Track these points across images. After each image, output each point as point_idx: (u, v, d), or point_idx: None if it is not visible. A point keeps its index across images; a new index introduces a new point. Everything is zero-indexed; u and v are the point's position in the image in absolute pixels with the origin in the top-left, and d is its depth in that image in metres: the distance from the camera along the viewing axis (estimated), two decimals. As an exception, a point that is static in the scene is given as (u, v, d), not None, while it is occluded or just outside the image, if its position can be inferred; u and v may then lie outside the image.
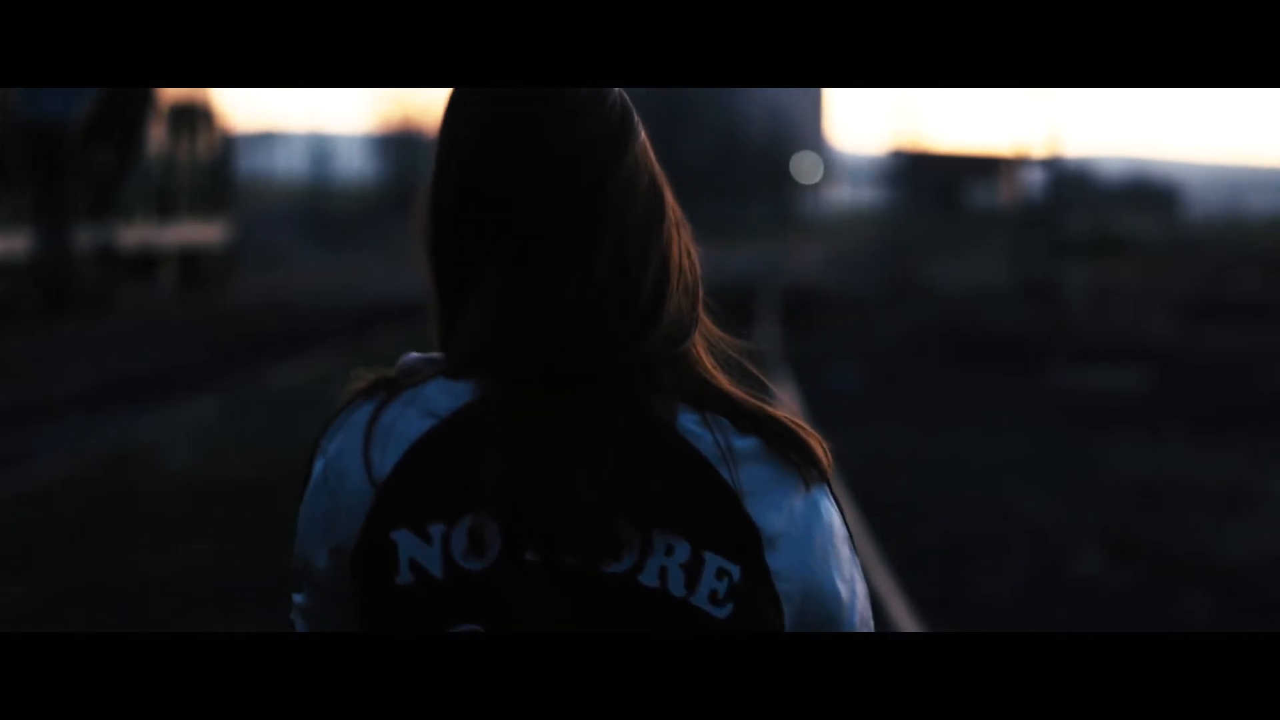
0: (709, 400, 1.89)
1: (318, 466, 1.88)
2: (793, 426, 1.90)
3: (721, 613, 1.80)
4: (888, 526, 10.78)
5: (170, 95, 30.68)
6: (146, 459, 13.03)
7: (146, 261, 30.11)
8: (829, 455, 1.92)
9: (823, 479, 1.90)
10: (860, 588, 1.92)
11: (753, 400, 1.91)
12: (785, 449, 1.88)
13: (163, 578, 9.03)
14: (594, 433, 1.82)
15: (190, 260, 32.19)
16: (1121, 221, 66.62)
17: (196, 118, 32.46)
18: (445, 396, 1.85)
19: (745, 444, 1.86)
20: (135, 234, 29.40)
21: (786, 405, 2.04)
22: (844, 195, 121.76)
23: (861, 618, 1.91)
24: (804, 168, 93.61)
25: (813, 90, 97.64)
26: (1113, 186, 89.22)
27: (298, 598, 1.95)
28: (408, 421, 1.84)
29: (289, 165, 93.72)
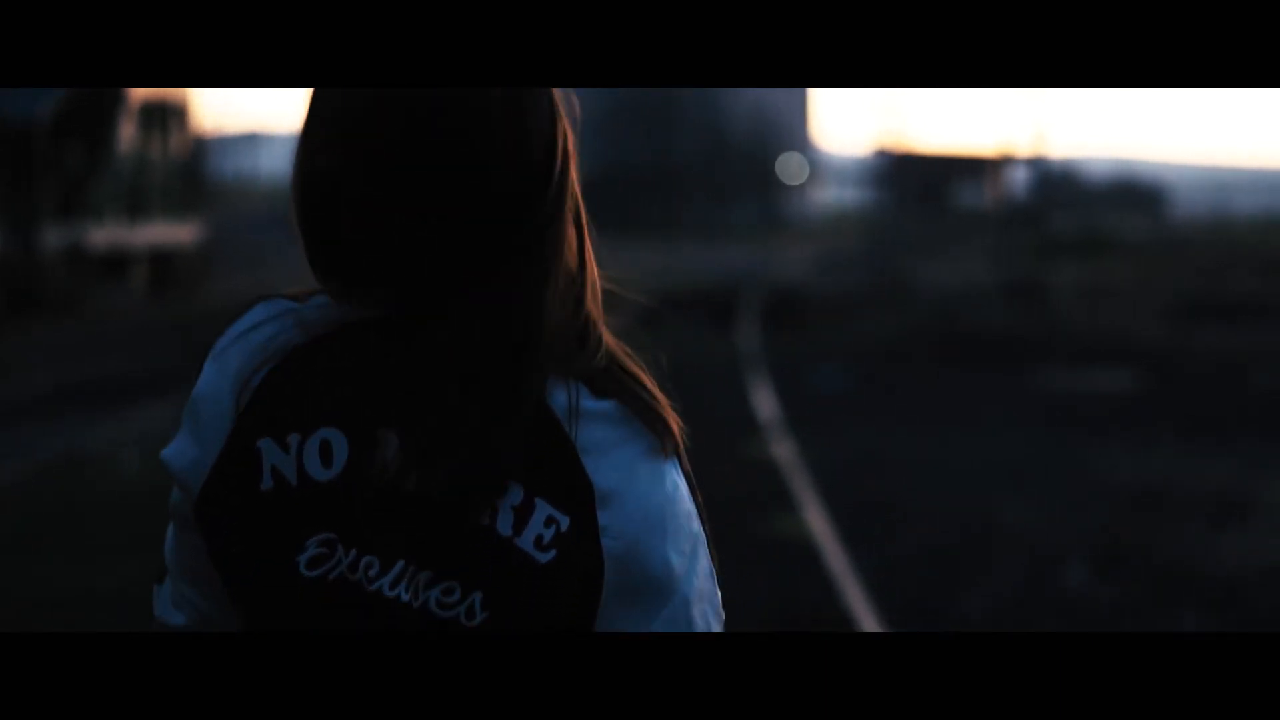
0: (581, 370, 1.95)
1: (205, 368, 1.98)
2: (651, 399, 1.96)
3: (544, 558, 1.88)
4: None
5: (141, 93, 30.32)
6: (103, 465, 12.75)
7: (117, 262, 29.75)
8: (682, 435, 1.97)
9: (674, 453, 1.96)
10: (703, 564, 1.96)
11: (624, 373, 1.97)
12: (638, 415, 1.94)
13: (108, 589, 8.71)
14: (455, 375, 1.89)
15: (162, 261, 31.84)
16: (1108, 222, 66.65)
17: (169, 116, 32.10)
18: (322, 314, 1.94)
19: (595, 404, 1.93)
20: (105, 234, 29.04)
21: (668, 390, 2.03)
22: (830, 196, 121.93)
23: (699, 592, 1.95)
24: (789, 168, 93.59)
25: (798, 91, 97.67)
26: (1098, 187, 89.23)
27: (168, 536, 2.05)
28: (282, 335, 1.94)
29: (273, 166, 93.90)
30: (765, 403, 16.86)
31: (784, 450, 13.73)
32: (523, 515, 1.89)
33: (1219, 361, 21.04)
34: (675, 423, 1.96)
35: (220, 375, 1.95)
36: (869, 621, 8.20)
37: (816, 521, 10.80)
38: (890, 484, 12.39)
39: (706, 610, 1.96)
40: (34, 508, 11.28)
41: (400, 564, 1.89)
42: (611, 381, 1.95)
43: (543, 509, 1.89)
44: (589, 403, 1.93)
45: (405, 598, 1.89)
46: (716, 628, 1.98)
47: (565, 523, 1.89)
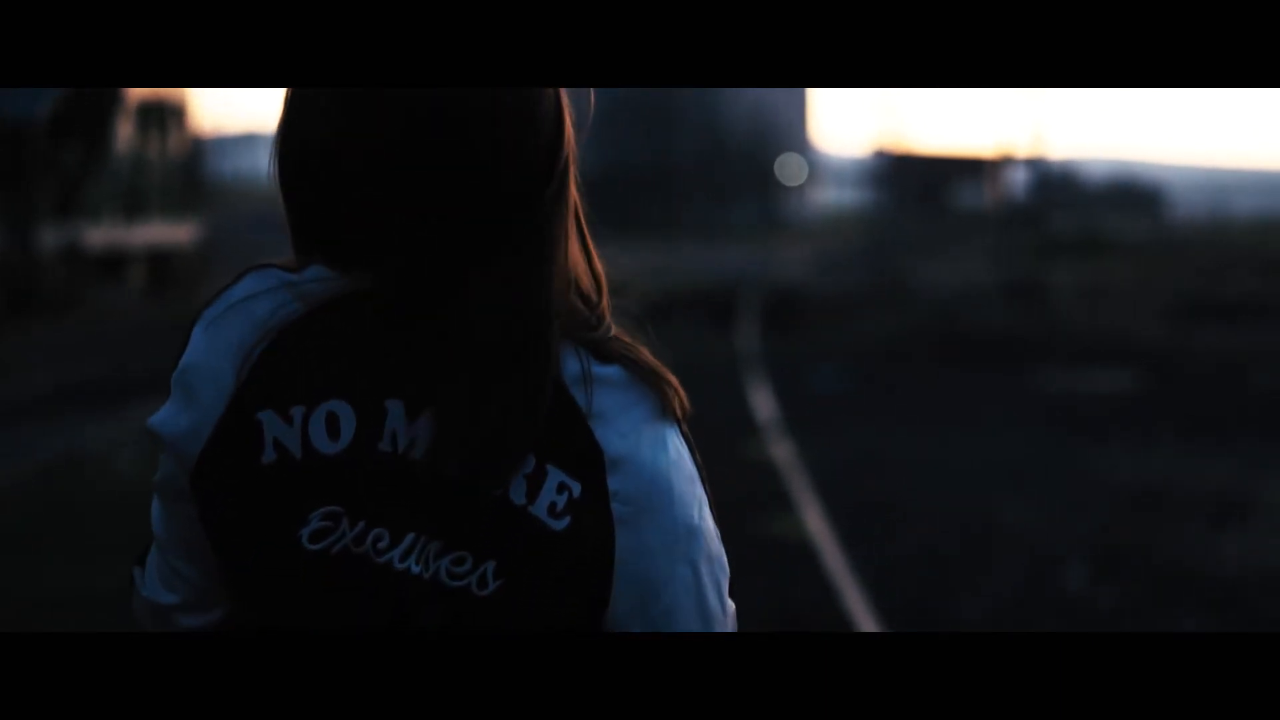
0: (586, 340, 1.97)
1: (195, 336, 1.95)
2: (652, 364, 1.98)
3: (558, 525, 1.90)
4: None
5: (139, 93, 30.24)
6: (103, 465, 12.72)
7: (115, 262, 29.68)
8: (684, 399, 2.00)
9: (675, 417, 1.98)
10: (709, 526, 1.99)
11: (624, 342, 2.00)
12: (643, 378, 1.96)
13: (108, 589, 8.68)
14: (460, 341, 1.89)
15: (160, 261, 31.77)
16: (1107, 222, 66.64)
17: (167, 116, 32.01)
18: (320, 285, 1.92)
19: (605, 370, 1.95)
20: (102, 234, 28.96)
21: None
22: (829, 197, 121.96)
23: (707, 554, 1.97)
24: (789, 169, 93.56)
25: (797, 91, 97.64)
26: (1097, 187, 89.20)
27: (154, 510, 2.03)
28: (284, 308, 1.91)
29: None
30: (764, 403, 16.84)
31: (783, 451, 13.71)
32: (535, 483, 1.90)
33: (1219, 361, 21.01)
34: (675, 387, 1.99)
35: (215, 345, 1.94)
36: (868, 622, 8.18)
37: (815, 522, 10.78)
38: (890, 484, 12.37)
39: (716, 571, 1.99)
40: (34, 508, 11.26)
41: (411, 536, 1.89)
42: (614, 347, 1.97)
43: (555, 476, 1.90)
44: (596, 368, 1.94)
45: (416, 570, 1.89)
46: (725, 587, 2.00)
47: (577, 489, 1.90)
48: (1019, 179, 77.95)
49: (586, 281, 2.02)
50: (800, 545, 10.06)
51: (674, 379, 1.99)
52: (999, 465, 13.22)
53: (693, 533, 1.96)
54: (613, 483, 1.92)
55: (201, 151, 36.22)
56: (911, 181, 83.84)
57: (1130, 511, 11.42)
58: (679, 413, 1.99)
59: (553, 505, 1.90)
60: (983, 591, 9.13)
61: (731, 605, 2.02)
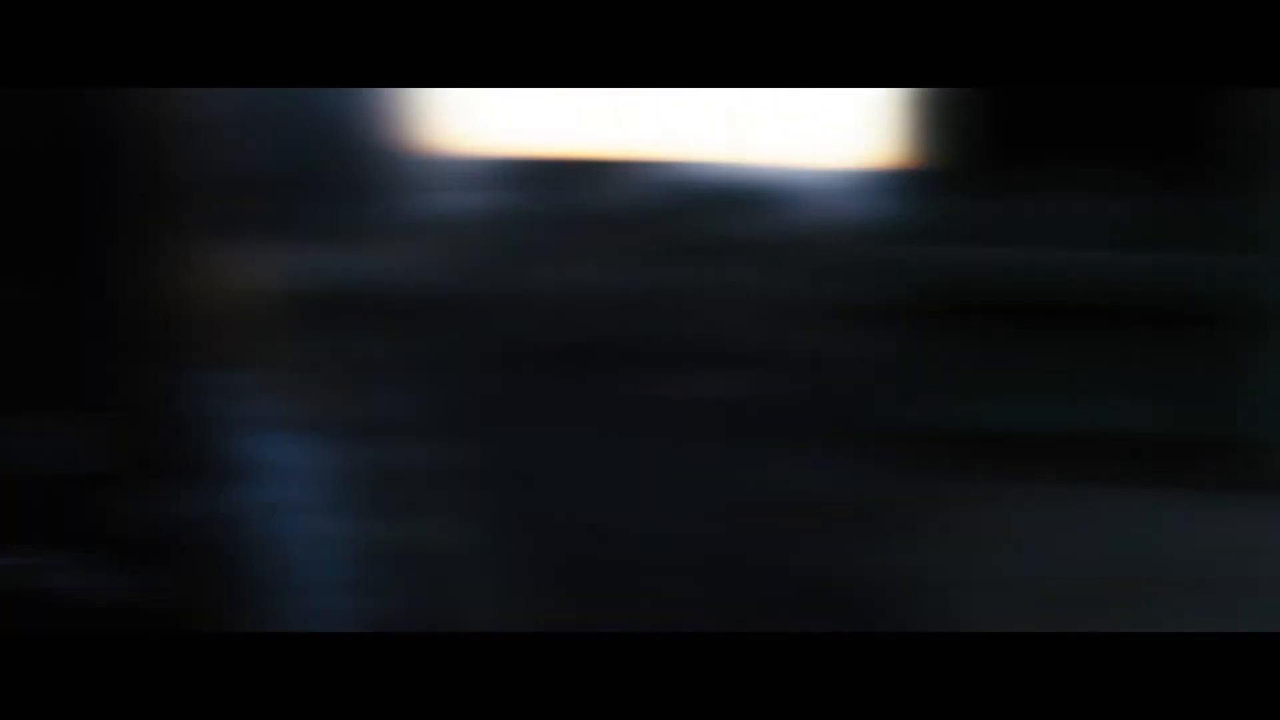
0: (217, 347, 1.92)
1: None
2: (288, 370, 1.96)
3: (203, 537, 1.88)
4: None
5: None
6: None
7: None
8: (331, 400, 2.04)
9: (313, 420, 2.01)
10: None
11: (256, 350, 1.94)
12: (280, 385, 1.94)
13: None
14: (96, 348, 1.82)
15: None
16: (727, 225, 68.80)
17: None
18: None
19: (243, 378, 1.91)
20: None
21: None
22: (449, 200, 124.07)
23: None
24: (396, 169, 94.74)
25: (413, 91, 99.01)
26: (720, 189, 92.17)
27: None
28: None
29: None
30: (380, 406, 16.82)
31: (413, 457, 13.67)
32: (181, 493, 1.92)
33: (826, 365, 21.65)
34: (320, 387, 2.03)
35: None
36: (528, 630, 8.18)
37: (447, 533, 10.75)
38: (531, 496, 12.41)
39: None
40: None
41: (46, 555, 1.89)
42: (249, 354, 2.01)
43: (196, 484, 1.93)
44: (234, 376, 1.99)
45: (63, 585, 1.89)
46: None
47: (221, 498, 1.96)
48: (643, 181, 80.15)
49: (215, 289, 1.98)
50: (438, 556, 10.02)
51: (316, 382, 2.00)
52: (641, 475, 13.38)
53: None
54: (251, 492, 1.98)
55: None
56: (536, 183, 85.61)
57: (764, 518, 11.64)
58: (322, 414, 2.01)
59: (195, 512, 1.92)
60: (648, 601, 9.20)
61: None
